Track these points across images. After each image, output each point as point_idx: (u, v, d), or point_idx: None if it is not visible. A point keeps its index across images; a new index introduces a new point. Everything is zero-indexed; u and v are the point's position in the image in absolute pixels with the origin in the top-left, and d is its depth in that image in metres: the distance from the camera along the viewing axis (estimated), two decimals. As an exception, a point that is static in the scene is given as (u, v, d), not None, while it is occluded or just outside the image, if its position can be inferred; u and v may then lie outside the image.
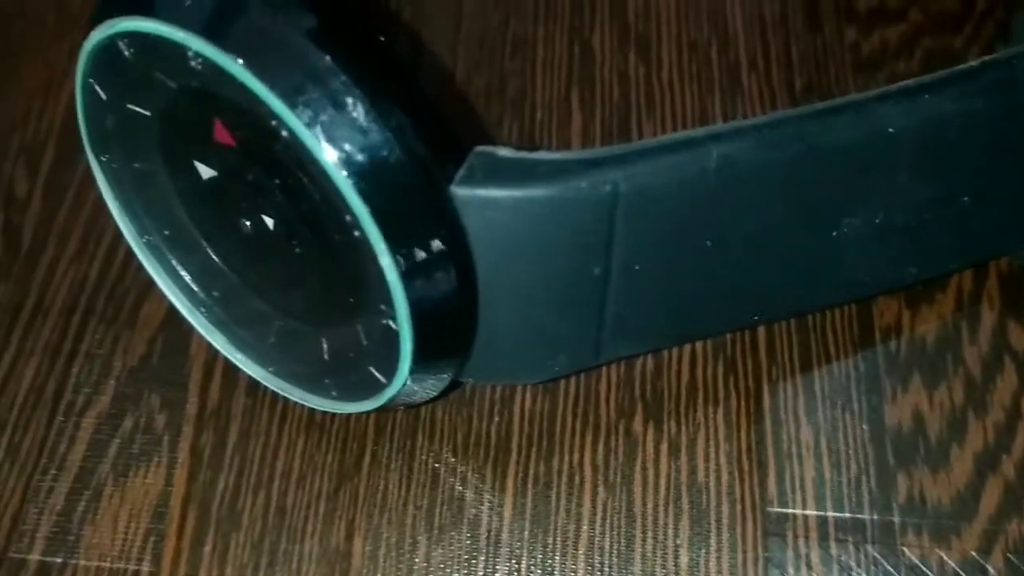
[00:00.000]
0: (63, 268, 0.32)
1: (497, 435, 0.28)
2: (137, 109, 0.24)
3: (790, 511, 0.27)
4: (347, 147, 0.20)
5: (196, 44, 0.21)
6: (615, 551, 0.27)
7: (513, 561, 0.27)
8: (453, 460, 0.28)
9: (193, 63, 0.21)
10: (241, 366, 0.28)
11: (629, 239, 0.23)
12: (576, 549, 0.27)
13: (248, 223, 0.24)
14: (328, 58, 0.20)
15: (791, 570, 0.26)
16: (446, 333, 0.23)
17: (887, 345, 0.29)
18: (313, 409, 0.29)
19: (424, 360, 0.23)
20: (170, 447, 0.29)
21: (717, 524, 0.27)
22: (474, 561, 0.27)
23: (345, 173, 0.20)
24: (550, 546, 0.27)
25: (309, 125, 0.20)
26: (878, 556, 0.26)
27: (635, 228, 0.22)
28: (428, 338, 0.23)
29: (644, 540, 0.27)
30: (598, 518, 0.27)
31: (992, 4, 0.35)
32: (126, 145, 0.25)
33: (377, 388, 0.25)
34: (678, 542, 0.27)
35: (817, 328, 0.29)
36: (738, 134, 0.22)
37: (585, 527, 0.27)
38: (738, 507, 0.27)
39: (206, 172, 0.24)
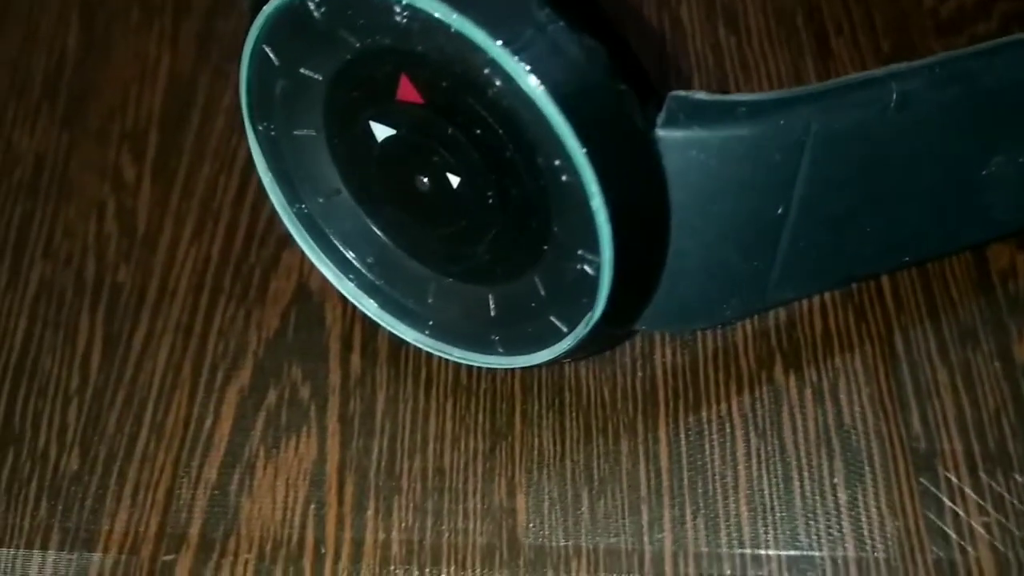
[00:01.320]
0: (183, 249, 0.32)
1: (643, 389, 0.29)
2: (310, 73, 0.25)
3: (937, 447, 0.28)
4: (566, 92, 0.21)
5: (413, -3, 0.21)
6: (774, 493, 0.27)
7: (676, 508, 0.27)
8: (603, 415, 0.29)
9: (398, 17, 0.22)
10: (393, 330, 0.28)
11: (811, 177, 0.23)
12: (736, 493, 0.27)
13: (426, 181, 0.25)
14: (544, 4, 0.21)
15: (947, 501, 0.27)
16: (641, 278, 0.24)
17: (1006, 288, 0.30)
18: (459, 372, 0.29)
19: (617, 306, 0.24)
20: (318, 417, 0.29)
21: (869, 463, 0.28)
22: (638, 510, 0.27)
23: (565, 118, 0.21)
24: (710, 492, 0.27)
25: (531, 71, 0.21)
26: (1027, 484, 0.27)
27: (817, 166, 0.23)
28: (625, 283, 0.23)
29: (801, 481, 0.27)
30: (753, 462, 0.28)
31: (1059, -33, 0.37)
32: (290, 112, 0.26)
33: (556, 338, 0.25)
34: (835, 481, 0.27)
35: (938, 275, 0.31)
36: (914, 72, 0.23)
37: (742, 471, 0.28)
38: (887, 446, 0.28)
39: (382, 132, 0.25)
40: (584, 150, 0.21)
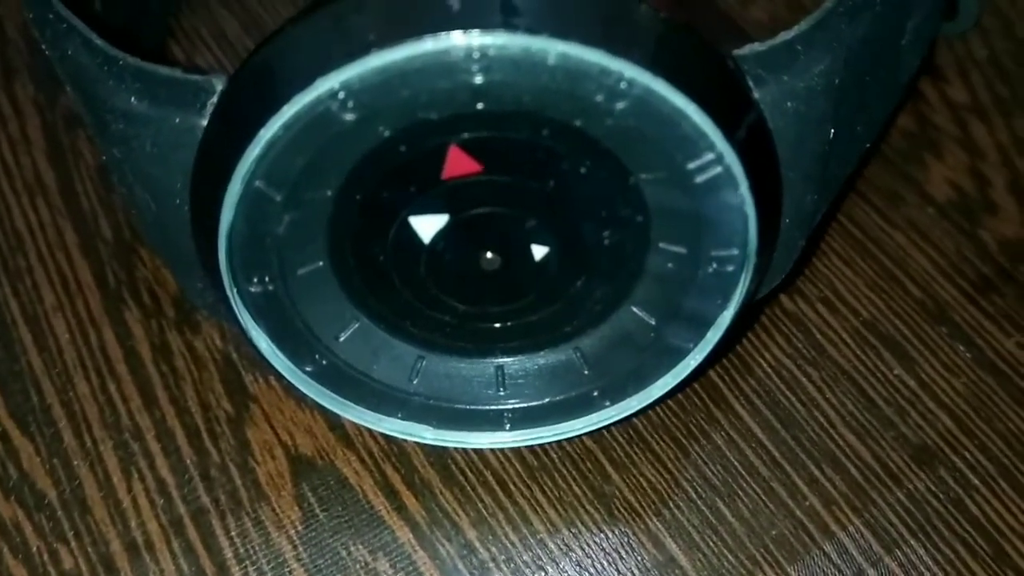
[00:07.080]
0: (123, 491, 0.24)
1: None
2: (315, 194, 0.20)
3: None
4: (696, 86, 0.18)
5: (496, 39, 0.17)
6: (860, 408, 0.27)
7: (800, 470, 0.26)
8: (682, 422, 0.26)
9: (472, 75, 0.18)
10: (463, 444, 0.24)
11: (843, 94, 0.23)
12: (833, 426, 0.27)
13: (491, 257, 0.21)
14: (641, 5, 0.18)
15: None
16: (770, 256, 0.22)
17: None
18: (522, 456, 0.26)
19: (750, 294, 0.22)
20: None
21: (909, 343, 0.28)
22: (772, 491, 0.26)
23: (706, 113, 0.18)
24: (815, 438, 0.26)
25: (663, 78, 0.18)
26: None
27: (851, 80, 0.23)
28: (763, 268, 0.21)
29: (873, 387, 0.27)
30: (827, 394, 0.27)
31: None
32: (292, 251, 0.20)
33: (676, 358, 0.23)
34: (896, 372, 0.28)
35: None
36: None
37: (825, 406, 0.27)
38: (911, 322, 0.29)
39: (428, 225, 0.20)
40: (727, 141, 0.19)
